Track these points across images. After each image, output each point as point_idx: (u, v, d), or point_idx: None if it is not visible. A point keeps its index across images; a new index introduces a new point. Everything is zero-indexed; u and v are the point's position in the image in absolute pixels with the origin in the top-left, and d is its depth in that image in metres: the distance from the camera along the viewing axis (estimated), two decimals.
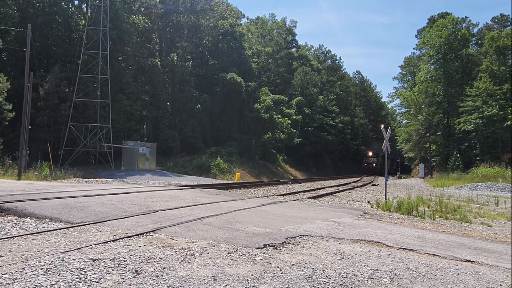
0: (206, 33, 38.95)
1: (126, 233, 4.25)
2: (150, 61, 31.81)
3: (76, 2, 30.38)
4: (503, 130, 32.96)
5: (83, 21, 28.23)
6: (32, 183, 10.40)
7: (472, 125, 34.23)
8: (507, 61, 38.83)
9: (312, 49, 68.85)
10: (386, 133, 11.47)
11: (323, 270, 3.27)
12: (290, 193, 12.42)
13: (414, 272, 3.44)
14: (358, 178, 31.47)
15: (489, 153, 34.22)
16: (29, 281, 2.58)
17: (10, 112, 20.20)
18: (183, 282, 2.74)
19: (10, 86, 20.46)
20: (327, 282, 2.96)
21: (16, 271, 2.75)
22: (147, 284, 2.65)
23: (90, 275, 2.76)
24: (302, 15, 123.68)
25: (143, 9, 34.86)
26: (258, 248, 3.93)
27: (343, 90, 64.10)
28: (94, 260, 3.13)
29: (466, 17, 50.67)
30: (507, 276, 3.61)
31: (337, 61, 69.80)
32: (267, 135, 38.38)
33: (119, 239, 3.97)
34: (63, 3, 28.76)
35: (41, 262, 2.99)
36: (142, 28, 32.12)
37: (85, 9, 29.40)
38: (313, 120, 49.80)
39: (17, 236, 3.93)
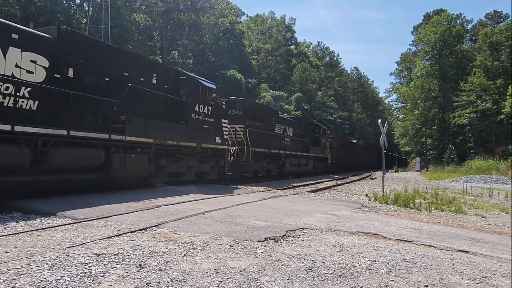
0: (206, 31, 38.87)
1: (130, 228, 4.30)
2: (152, 59, 31.75)
3: (78, 1, 30.27)
4: (497, 124, 33.41)
5: (85, 20, 28.15)
6: None
7: (467, 119, 34.60)
8: (500, 56, 39.21)
9: (311, 46, 69.18)
10: (383, 127, 11.58)
11: (323, 262, 3.34)
12: (290, 187, 12.50)
13: (411, 262, 3.53)
14: (356, 172, 31.55)
15: (483, 146, 34.66)
16: (35, 276, 2.61)
17: None
18: (186, 275, 2.80)
19: None
20: (327, 273, 3.03)
21: (22, 267, 2.79)
22: (151, 278, 2.70)
23: (95, 270, 2.81)
24: (302, 11, 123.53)
25: (144, 7, 34.81)
26: (259, 241, 4.01)
27: (341, 86, 64.38)
28: (98, 255, 3.18)
29: (460, 13, 51.13)
30: (501, 265, 3.72)
31: (335, 58, 70.15)
32: None
33: (123, 234, 4.01)
34: (64, 2, 28.56)
35: (46, 257, 3.03)
36: (143, 26, 32.08)
37: (86, 8, 29.26)
38: (312, 115, 49.83)
39: (22, 232, 3.97)
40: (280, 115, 17.55)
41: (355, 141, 38.32)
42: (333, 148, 25.70)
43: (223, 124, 10.87)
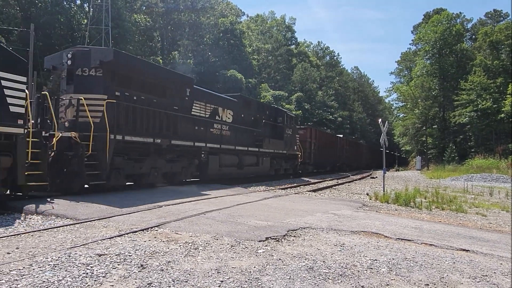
0: (206, 31, 39.09)
1: (131, 229, 4.32)
2: (152, 59, 31.94)
3: (78, 2, 30.55)
4: (497, 123, 33.45)
5: (85, 21, 28.39)
6: None
7: (467, 118, 34.64)
8: (500, 55, 39.26)
9: (311, 46, 69.53)
10: (384, 127, 11.59)
11: (324, 261, 3.35)
12: (291, 187, 12.49)
13: (412, 261, 3.54)
14: (357, 171, 31.45)
15: (483, 145, 34.71)
16: (37, 277, 2.62)
17: None
18: (188, 275, 2.81)
19: None
20: (328, 272, 3.04)
21: (24, 268, 2.80)
22: (152, 278, 2.71)
23: (97, 270, 2.82)
24: (302, 11, 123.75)
25: (144, 8, 35.10)
26: (260, 241, 4.02)
27: (342, 86, 64.57)
28: (100, 255, 3.19)
29: (460, 12, 51.31)
30: (501, 264, 3.72)
31: (335, 57, 70.53)
32: None
33: (124, 234, 4.03)
34: (65, 3, 28.78)
35: (48, 258, 3.05)
36: (144, 26, 32.28)
37: (87, 9, 29.50)
38: (313, 115, 49.96)
39: (24, 233, 3.99)
40: (204, 89, 11.45)
41: (340, 135, 31.36)
42: (307, 143, 19.68)
43: (5, 84, 5.29)
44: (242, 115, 12.85)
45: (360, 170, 33.02)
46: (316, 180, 16.50)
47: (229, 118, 11.95)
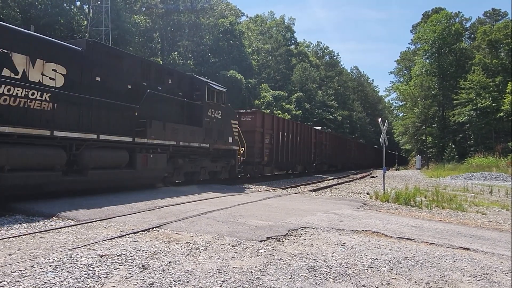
0: (206, 32, 39.21)
1: (133, 229, 4.32)
2: (152, 60, 32.09)
3: (78, 3, 30.51)
4: (497, 121, 33.50)
5: (85, 22, 28.44)
6: None
7: (467, 117, 34.70)
8: (499, 54, 39.36)
9: (311, 46, 69.69)
10: (384, 126, 11.60)
11: (325, 261, 3.36)
12: (291, 187, 12.49)
13: (412, 260, 3.54)
14: (357, 171, 31.39)
15: (483, 143, 34.76)
16: (38, 278, 2.63)
17: None
18: (189, 275, 2.81)
19: None
20: (329, 272, 3.05)
21: (26, 269, 2.81)
22: (154, 278, 2.72)
23: (98, 271, 2.82)
24: (301, 12, 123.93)
25: (144, 9, 35.24)
26: (261, 241, 4.02)
27: (341, 85, 64.71)
28: (101, 256, 3.20)
29: (459, 12, 51.49)
30: (501, 262, 3.73)
31: (335, 57, 70.66)
32: None
33: (125, 235, 4.04)
34: (65, 4, 28.81)
35: (49, 259, 3.05)
36: (144, 27, 32.37)
37: (87, 10, 29.52)
38: (313, 115, 50.00)
39: (25, 235, 3.99)
40: None
41: (318, 128, 23.98)
42: (256, 134, 13.76)
43: None
44: (98, 78, 7.13)
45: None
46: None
47: (52, 79, 6.28)
